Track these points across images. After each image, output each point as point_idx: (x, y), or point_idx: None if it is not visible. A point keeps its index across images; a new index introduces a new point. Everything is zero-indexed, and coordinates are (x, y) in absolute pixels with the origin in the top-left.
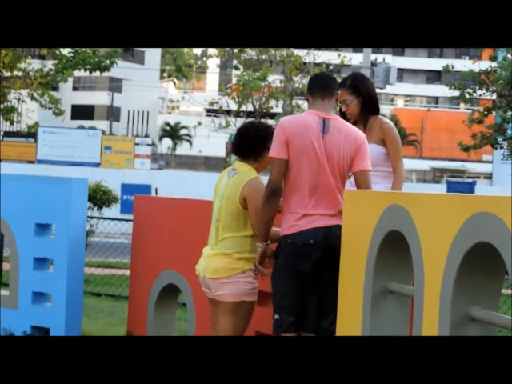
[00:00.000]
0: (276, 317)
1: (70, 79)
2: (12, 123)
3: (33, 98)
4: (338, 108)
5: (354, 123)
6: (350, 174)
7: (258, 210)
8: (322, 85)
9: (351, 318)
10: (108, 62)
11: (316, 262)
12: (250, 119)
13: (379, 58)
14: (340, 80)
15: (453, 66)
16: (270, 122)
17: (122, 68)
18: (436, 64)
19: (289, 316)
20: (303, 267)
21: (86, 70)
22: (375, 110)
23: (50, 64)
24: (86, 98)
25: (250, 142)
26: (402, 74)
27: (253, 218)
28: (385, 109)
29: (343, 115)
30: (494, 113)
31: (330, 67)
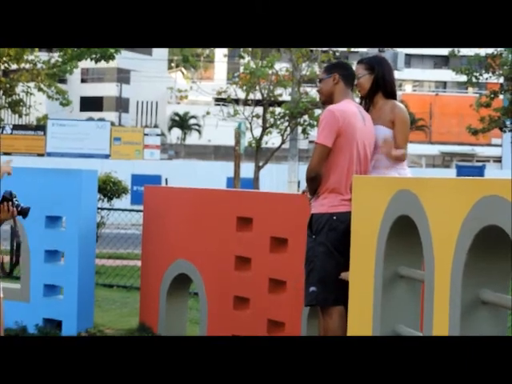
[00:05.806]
0: (313, 289)
1: (78, 71)
2: (20, 116)
3: (40, 89)
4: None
5: (366, 102)
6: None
7: None
8: (354, 76)
9: (362, 304)
10: (113, 50)
11: None
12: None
13: None
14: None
15: (459, 51)
16: (278, 109)
17: (129, 59)
18: (443, 49)
19: (328, 289)
20: (345, 243)
21: (91, 59)
22: (389, 94)
23: (56, 56)
24: (94, 89)
25: None
26: (410, 59)
27: None
28: None
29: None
30: (501, 96)
31: (337, 53)
